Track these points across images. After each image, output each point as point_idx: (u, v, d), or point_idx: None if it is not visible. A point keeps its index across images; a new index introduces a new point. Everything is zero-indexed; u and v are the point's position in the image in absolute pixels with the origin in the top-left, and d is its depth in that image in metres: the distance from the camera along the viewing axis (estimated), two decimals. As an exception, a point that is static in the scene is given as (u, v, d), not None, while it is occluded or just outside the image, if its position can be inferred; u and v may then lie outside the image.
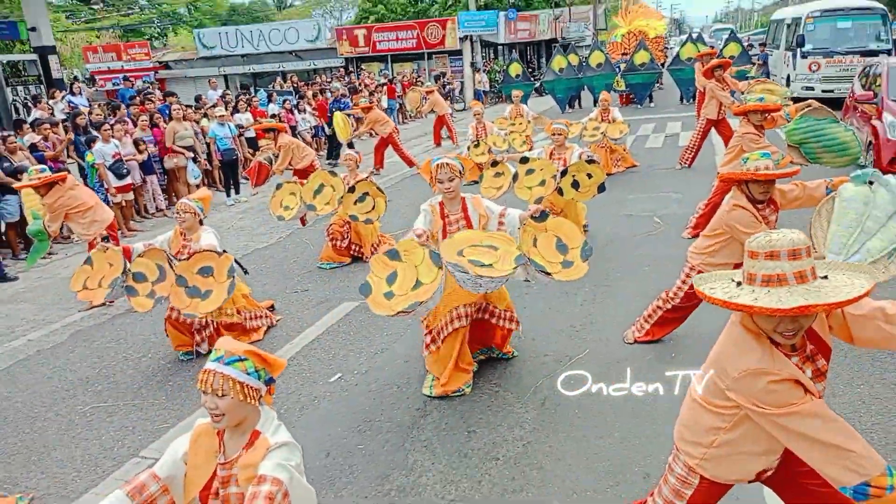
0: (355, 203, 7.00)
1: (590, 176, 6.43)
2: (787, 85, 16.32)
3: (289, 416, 4.19)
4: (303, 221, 8.65)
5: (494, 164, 7.15)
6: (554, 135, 7.24)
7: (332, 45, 27.60)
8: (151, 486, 2.22)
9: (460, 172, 4.22)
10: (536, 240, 4.01)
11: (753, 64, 18.49)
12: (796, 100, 14.93)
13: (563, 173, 6.47)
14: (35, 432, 4.42)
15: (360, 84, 19.97)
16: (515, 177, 6.73)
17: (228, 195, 11.57)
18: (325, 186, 7.20)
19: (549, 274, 3.83)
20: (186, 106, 12.76)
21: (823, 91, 15.32)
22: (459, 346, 4.34)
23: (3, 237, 9.05)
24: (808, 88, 15.71)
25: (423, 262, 3.80)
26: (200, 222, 5.34)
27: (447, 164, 4.18)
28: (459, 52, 25.35)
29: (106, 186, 9.64)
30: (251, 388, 2.16)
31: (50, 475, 3.90)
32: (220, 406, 2.13)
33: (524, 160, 6.75)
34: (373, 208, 7.01)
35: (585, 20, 35.85)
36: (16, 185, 7.22)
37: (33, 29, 17.79)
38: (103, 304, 6.24)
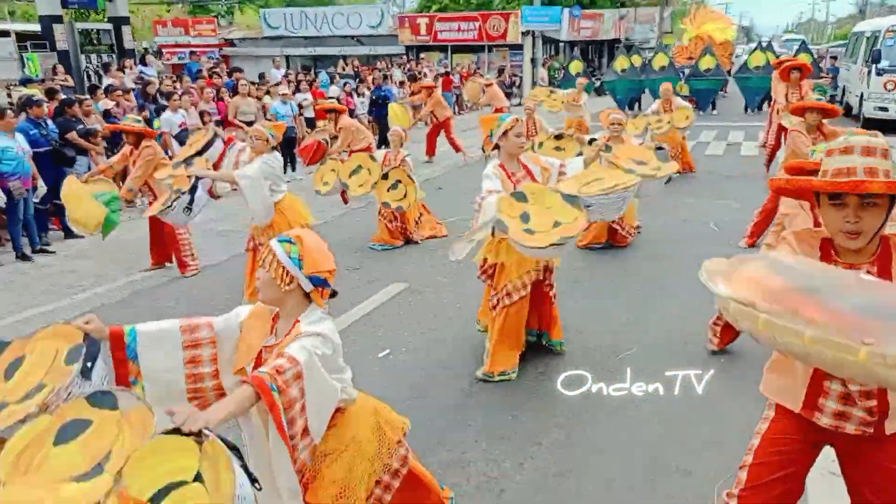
0: (388, 190, 7.18)
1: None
2: (860, 105, 15.48)
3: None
4: (344, 199, 8.81)
5: (559, 136, 7.13)
6: (612, 125, 6.91)
7: (394, 33, 27.78)
8: (202, 332, 2.29)
9: (534, 129, 4.36)
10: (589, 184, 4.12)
11: (823, 77, 17.90)
12: (867, 123, 14.19)
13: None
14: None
15: (419, 73, 20.08)
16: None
17: (284, 172, 11.80)
18: (362, 168, 7.42)
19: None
20: (251, 83, 13.06)
21: (899, 113, 14.26)
22: (516, 320, 4.37)
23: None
24: (881, 109, 14.75)
25: (556, 204, 3.85)
26: (273, 148, 5.68)
27: (521, 119, 4.31)
28: (520, 47, 25.25)
29: (170, 153, 9.95)
30: (285, 270, 2.18)
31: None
32: (261, 276, 2.22)
33: (591, 141, 6.71)
34: (404, 196, 7.16)
35: (651, 22, 35.26)
36: (109, 126, 7.51)
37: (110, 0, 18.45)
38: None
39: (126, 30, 18.81)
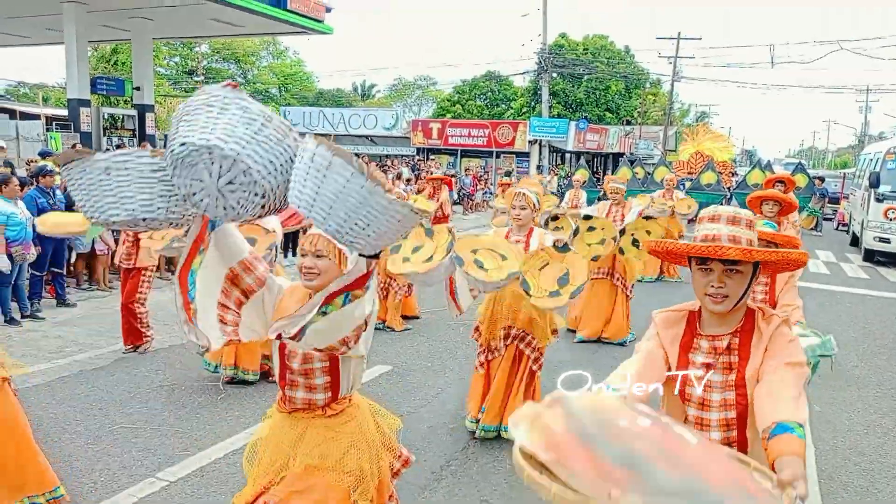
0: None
1: (648, 233, 6.52)
2: (860, 234, 14.08)
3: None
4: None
5: (555, 217, 7.30)
6: (611, 193, 7.52)
7: (407, 135, 28.88)
8: (260, 267, 2.34)
9: (534, 206, 4.55)
10: (547, 265, 4.22)
11: (815, 196, 18.22)
12: (869, 255, 13.52)
13: (622, 232, 6.61)
14: (62, 442, 4.52)
15: (427, 171, 20.70)
16: (576, 232, 6.77)
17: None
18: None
19: (529, 295, 4.10)
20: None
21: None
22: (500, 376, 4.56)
23: (72, 266, 9.55)
24: (882, 240, 13.50)
25: (442, 246, 4.16)
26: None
27: (525, 193, 4.55)
28: (527, 154, 26.11)
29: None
30: (345, 256, 2.37)
31: (68, 482, 3.95)
32: (318, 266, 2.32)
33: (587, 217, 6.86)
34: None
35: (655, 139, 36.55)
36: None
37: (138, 88, 19.37)
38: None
39: (150, 117, 19.60)
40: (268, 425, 2.59)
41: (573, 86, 39.69)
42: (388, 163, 23.37)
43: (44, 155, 11.46)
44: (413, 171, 21.31)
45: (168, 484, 3.92)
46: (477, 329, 4.78)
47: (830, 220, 22.29)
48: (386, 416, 2.68)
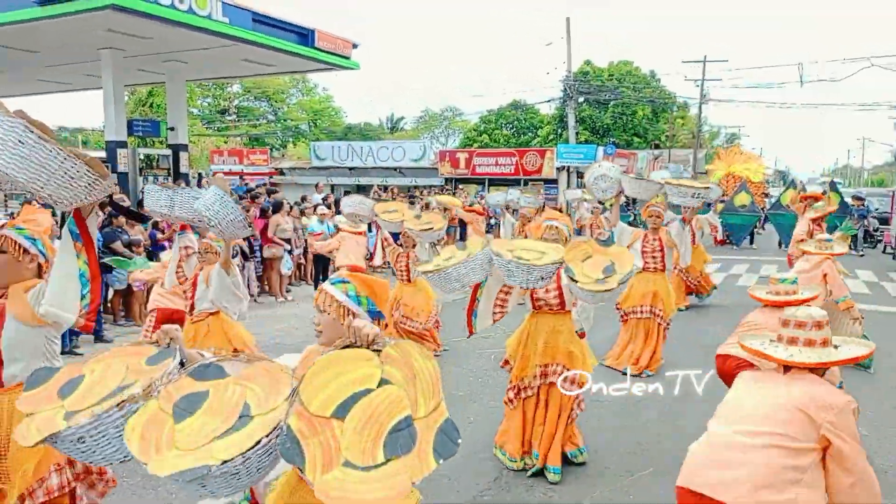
0: None
1: None
2: None
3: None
4: None
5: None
6: (649, 217, 7.37)
7: (435, 165, 29.11)
8: None
9: (567, 239, 4.51)
10: (590, 258, 4.15)
11: (850, 216, 17.78)
12: None
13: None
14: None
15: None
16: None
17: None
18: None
19: (575, 280, 3.97)
20: (293, 204, 13.69)
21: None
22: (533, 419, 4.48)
23: (108, 303, 9.75)
24: None
25: (476, 248, 4.09)
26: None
27: (556, 226, 4.58)
28: (555, 181, 26.09)
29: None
30: (347, 308, 2.29)
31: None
32: (321, 321, 2.33)
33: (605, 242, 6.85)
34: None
35: (685, 162, 36.28)
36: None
37: (172, 129, 19.93)
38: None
39: (184, 156, 20.12)
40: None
41: (600, 111, 39.79)
42: (417, 193, 23.56)
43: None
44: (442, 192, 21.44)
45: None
46: (507, 362, 4.69)
47: (878, 242, 20.28)
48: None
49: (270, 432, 1.65)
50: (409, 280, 7.52)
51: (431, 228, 7.18)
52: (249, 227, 4.36)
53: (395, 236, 8.05)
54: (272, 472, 1.81)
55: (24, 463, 2.79)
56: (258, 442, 1.64)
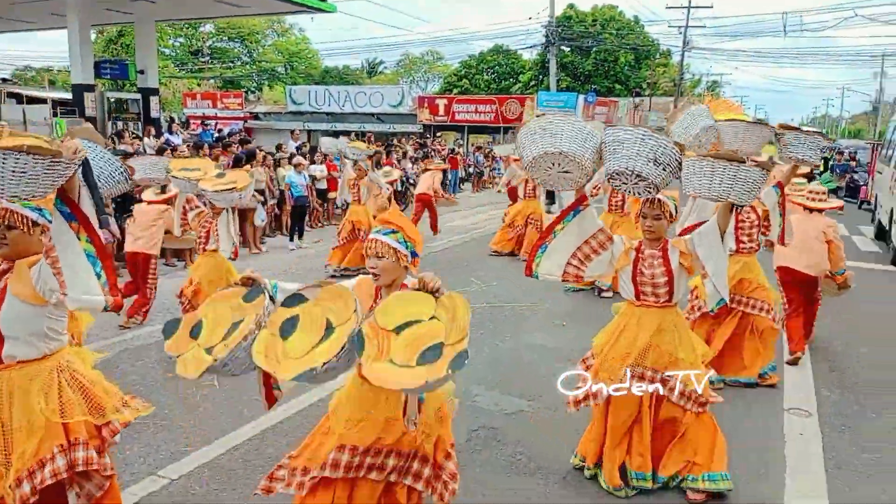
0: None
1: None
2: (890, 225, 11.24)
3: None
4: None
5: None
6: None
7: (413, 112, 28.66)
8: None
9: (671, 215, 3.78)
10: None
11: (828, 170, 17.58)
12: None
13: None
14: (66, 438, 4.54)
15: (430, 151, 20.58)
16: None
17: (292, 239, 11.95)
18: None
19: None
20: (268, 153, 13.40)
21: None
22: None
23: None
24: None
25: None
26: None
27: (661, 200, 3.72)
28: (535, 130, 25.88)
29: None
30: (402, 253, 2.74)
31: (71, 480, 3.98)
32: (378, 266, 2.73)
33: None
34: None
35: (665, 111, 36.11)
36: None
37: (141, 72, 19.27)
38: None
39: (154, 100, 19.52)
40: (345, 391, 2.91)
41: (582, 58, 39.22)
42: (395, 141, 23.23)
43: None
44: (421, 147, 21.19)
45: (169, 482, 3.94)
46: (584, 361, 4.01)
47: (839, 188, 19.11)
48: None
49: (349, 340, 2.36)
50: (204, 249, 6.31)
51: (233, 188, 5.82)
52: (128, 182, 3.72)
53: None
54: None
55: (23, 443, 2.72)
56: (343, 346, 2.36)
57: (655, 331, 3.69)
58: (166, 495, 3.82)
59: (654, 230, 3.74)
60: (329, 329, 2.42)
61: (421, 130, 28.13)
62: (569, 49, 38.31)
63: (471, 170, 23.02)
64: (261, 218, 11.60)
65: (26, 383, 2.76)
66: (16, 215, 2.76)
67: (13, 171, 2.37)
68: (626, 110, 32.66)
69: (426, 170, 13.80)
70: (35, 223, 2.80)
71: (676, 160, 3.36)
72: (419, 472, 2.79)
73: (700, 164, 3.28)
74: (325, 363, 2.31)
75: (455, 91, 39.17)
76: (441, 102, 28.60)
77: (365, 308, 2.67)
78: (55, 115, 19.92)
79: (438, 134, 27.70)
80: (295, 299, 2.55)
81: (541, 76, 38.56)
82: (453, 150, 23.12)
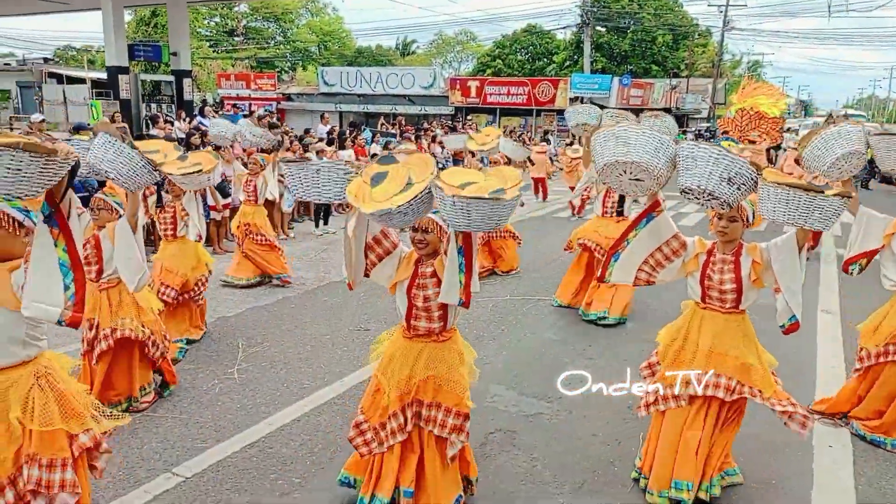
0: None
1: None
2: None
3: (319, 457, 4.19)
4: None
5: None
6: None
7: (445, 94, 28.42)
8: (392, 235, 3.33)
9: (747, 219, 3.63)
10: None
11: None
12: None
13: None
14: (86, 431, 4.58)
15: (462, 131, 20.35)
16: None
17: (317, 225, 11.96)
18: None
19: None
20: (296, 137, 13.39)
21: None
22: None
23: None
24: None
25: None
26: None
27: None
28: (568, 112, 25.48)
29: (212, 203, 10.08)
30: (444, 228, 3.22)
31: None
32: (426, 238, 3.25)
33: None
34: None
35: (703, 93, 35.20)
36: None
37: (175, 54, 19.43)
38: None
39: (187, 82, 19.69)
40: (389, 350, 3.44)
41: (618, 38, 38.36)
42: (426, 123, 23.07)
43: (77, 129, 11.57)
44: (452, 130, 20.99)
45: (183, 480, 3.95)
46: (650, 367, 3.91)
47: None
48: (468, 349, 3.53)
49: (421, 192, 2.85)
50: (174, 236, 6.13)
51: (199, 171, 5.20)
52: (155, 171, 3.79)
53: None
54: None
55: (2, 451, 2.72)
56: (416, 195, 2.83)
57: (717, 333, 3.59)
58: (178, 494, 3.83)
59: (727, 232, 3.58)
60: (409, 184, 2.91)
61: (453, 113, 27.90)
62: (604, 29, 37.49)
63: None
64: (288, 203, 11.61)
65: (3, 390, 2.73)
66: (2, 215, 2.69)
67: (8, 168, 2.30)
68: (663, 92, 31.91)
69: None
70: (21, 224, 2.73)
71: (752, 179, 3.24)
72: (444, 423, 3.32)
73: (776, 191, 3.12)
74: (399, 206, 2.79)
75: (488, 72, 38.70)
76: (473, 84, 28.29)
77: (406, 275, 3.29)
78: (93, 96, 20.23)
79: (470, 117, 27.44)
80: (387, 159, 3.11)
81: (575, 56, 37.86)
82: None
